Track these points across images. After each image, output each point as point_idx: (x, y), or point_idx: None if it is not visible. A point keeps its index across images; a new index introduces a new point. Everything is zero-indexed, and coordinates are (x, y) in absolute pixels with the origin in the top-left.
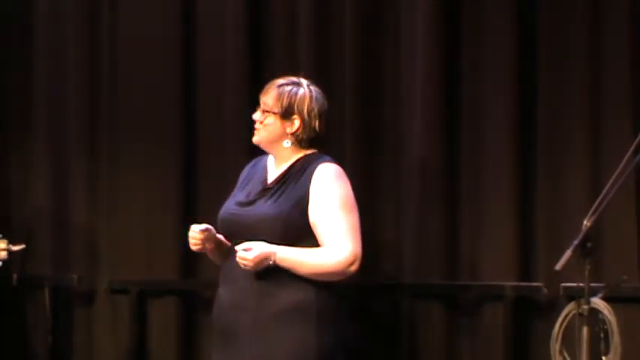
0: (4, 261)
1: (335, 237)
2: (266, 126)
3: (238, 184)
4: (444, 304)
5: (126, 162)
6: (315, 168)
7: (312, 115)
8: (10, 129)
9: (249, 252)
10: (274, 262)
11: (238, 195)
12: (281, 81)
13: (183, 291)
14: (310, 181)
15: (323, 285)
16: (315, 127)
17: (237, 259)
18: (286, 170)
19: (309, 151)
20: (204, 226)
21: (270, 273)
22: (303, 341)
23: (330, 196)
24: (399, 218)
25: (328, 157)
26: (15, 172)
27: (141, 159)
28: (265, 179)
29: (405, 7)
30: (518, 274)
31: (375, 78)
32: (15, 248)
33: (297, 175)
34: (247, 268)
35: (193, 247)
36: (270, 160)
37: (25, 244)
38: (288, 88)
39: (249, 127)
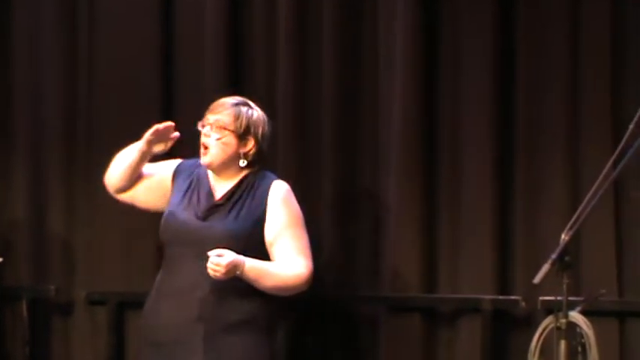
0: None
1: (291, 254)
2: (223, 145)
3: (179, 190)
4: (422, 317)
5: (103, 172)
6: (269, 186)
7: (265, 137)
8: None
9: (222, 258)
10: (242, 272)
11: (185, 205)
12: (233, 100)
13: None
14: (267, 199)
15: (271, 298)
16: (264, 149)
17: (209, 264)
18: (235, 186)
19: (253, 168)
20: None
21: (227, 284)
22: (253, 350)
23: (285, 215)
24: (377, 230)
25: (275, 175)
26: None
27: None
28: (212, 194)
29: (384, 16)
30: (497, 287)
31: (354, 91)
32: None
33: (251, 193)
34: (217, 275)
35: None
36: (211, 173)
37: (2, 255)
38: (244, 108)
39: None
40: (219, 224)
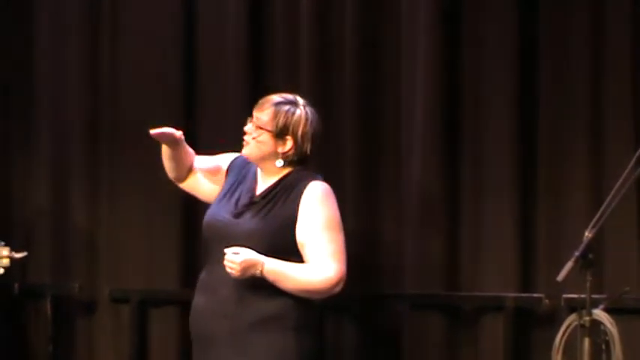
0: (5, 268)
1: (322, 257)
2: (259, 143)
3: (227, 186)
4: (445, 315)
5: (127, 170)
6: (305, 186)
7: (306, 138)
8: (12, 138)
9: (237, 256)
10: (261, 272)
11: (225, 202)
12: (277, 98)
13: (183, 301)
14: (300, 200)
15: (302, 298)
16: (306, 150)
17: (225, 262)
18: (274, 185)
19: (297, 167)
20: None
21: (251, 283)
22: (281, 349)
23: (319, 217)
24: (400, 228)
25: (318, 175)
26: (16, 181)
27: (142, 168)
28: (254, 190)
29: (406, 20)
30: (520, 285)
31: (375, 97)
32: (17, 256)
33: (286, 192)
34: (233, 273)
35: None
36: (259, 170)
37: (26, 251)
38: (285, 107)
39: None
40: (247, 222)
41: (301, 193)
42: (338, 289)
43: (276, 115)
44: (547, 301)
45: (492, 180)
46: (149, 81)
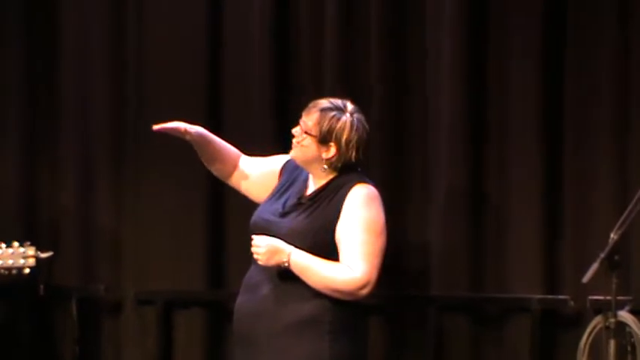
0: (32, 268)
1: (353, 257)
2: (303, 147)
3: (278, 187)
4: (471, 317)
5: (152, 172)
6: (351, 188)
7: (350, 145)
8: (38, 139)
9: (262, 240)
10: (288, 262)
11: (273, 202)
12: (325, 103)
13: (209, 302)
14: (344, 201)
15: (341, 301)
16: (350, 157)
17: (252, 248)
18: (322, 187)
19: (343, 172)
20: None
21: (290, 283)
22: (316, 353)
23: (358, 217)
24: (425, 230)
25: (366, 178)
26: (42, 182)
27: (168, 169)
28: (303, 192)
29: (431, 22)
30: (545, 287)
31: (400, 92)
32: (43, 255)
33: (332, 194)
34: (259, 259)
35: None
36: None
37: (52, 251)
38: (331, 113)
39: (276, 134)
40: (289, 222)
41: (346, 194)
42: (364, 292)
43: (320, 120)
44: (573, 302)
45: (518, 181)
46: (174, 80)
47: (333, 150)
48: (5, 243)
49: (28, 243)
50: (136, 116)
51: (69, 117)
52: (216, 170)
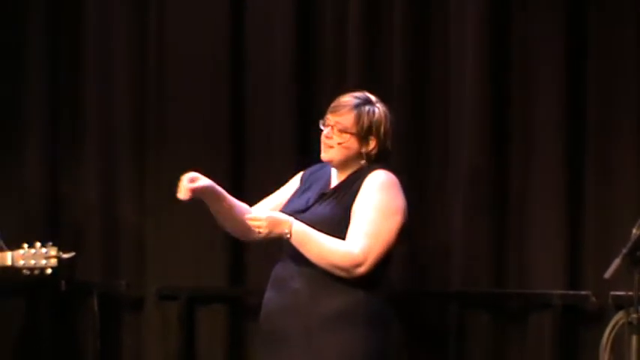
0: (53, 268)
1: (356, 233)
2: (344, 148)
3: (298, 190)
4: (492, 312)
5: (174, 168)
6: (369, 174)
7: (387, 134)
8: (60, 138)
9: (262, 212)
10: (289, 233)
11: (295, 202)
12: (354, 100)
13: (231, 298)
14: (361, 185)
15: (370, 290)
16: (387, 146)
17: (250, 222)
18: (345, 179)
19: (375, 164)
20: (192, 174)
21: (321, 277)
22: (350, 347)
23: (370, 198)
24: (447, 226)
25: (386, 166)
26: (65, 180)
27: (189, 165)
28: (328, 186)
29: (454, 19)
30: (567, 283)
31: (424, 89)
32: (65, 256)
33: (353, 182)
34: (260, 231)
35: (179, 195)
36: (334, 170)
37: (74, 251)
38: (366, 108)
39: (298, 128)
40: (314, 211)
41: (364, 179)
42: (360, 270)
43: (359, 117)
44: (594, 298)
45: (540, 178)
46: (196, 82)
47: (372, 143)
48: (28, 243)
49: (50, 243)
50: (158, 114)
51: (91, 116)
52: (231, 230)
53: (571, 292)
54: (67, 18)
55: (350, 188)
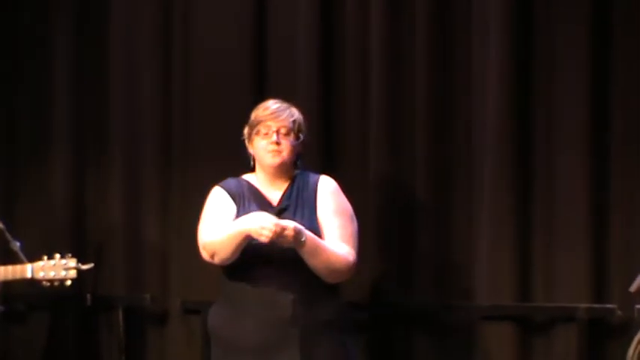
0: (73, 280)
1: (340, 239)
2: (293, 148)
3: (240, 209)
4: (516, 326)
5: (199, 182)
6: (317, 180)
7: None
8: (86, 150)
9: (271, 218)
10: (305, 239)
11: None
12: (282, 103)
13: None
14: (316, 192)
15: (339, 296)
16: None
17: (256, 228)
18: (288, 188)
19: (299, 168)
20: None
21: (305, 288)
22: (342, 353)
23: (334, 204)
24: (471, 239)
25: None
26: (89, 194)
27: (213, 178)
28: (266, 200)
29: (477, 43)
30: (592, 296)
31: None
32: (84, 267)
33: (302, 190)
34: (268, 235)
35: (263, 239)
36: (254, 181)
37: (95, 263)
38: (294, 110)
39: (321, 126)
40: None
41: (316, 186)
42: (351, 273)
43: (298, 118)
44: (620, 312)
45: (564, 191)
46: (220, 93)
47: (301, 143)
48: (47, 255)
49: (70, 255)
50: (183, 129)
51: (117, 129)
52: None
53: (597, 306)
54: (93, 32)
55: (303, 197)
